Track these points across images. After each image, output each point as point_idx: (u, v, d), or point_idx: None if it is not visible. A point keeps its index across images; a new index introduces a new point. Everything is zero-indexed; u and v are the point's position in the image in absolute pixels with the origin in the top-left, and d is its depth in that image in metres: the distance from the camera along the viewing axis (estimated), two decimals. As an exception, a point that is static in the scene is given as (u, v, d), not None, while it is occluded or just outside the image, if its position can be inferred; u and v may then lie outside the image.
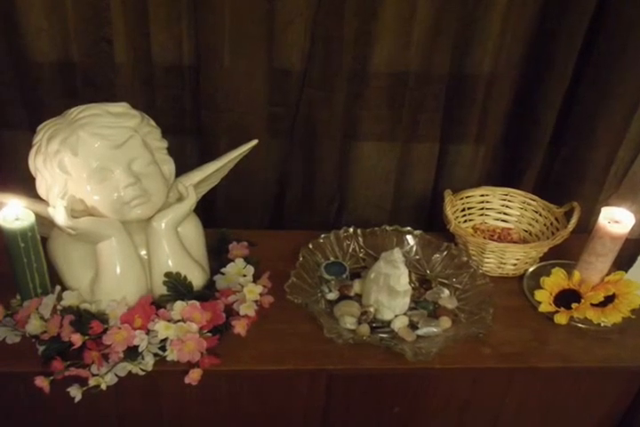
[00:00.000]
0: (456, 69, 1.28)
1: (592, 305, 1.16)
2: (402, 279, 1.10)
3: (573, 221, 1.23)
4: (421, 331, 1.11)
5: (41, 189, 1.01)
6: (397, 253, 1.11)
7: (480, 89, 1.30)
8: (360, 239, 1.27)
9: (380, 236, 1.28)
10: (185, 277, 1.07)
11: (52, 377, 0.97)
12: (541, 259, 1.29)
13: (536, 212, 1.36)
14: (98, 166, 0.97)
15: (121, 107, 1.00)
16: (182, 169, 1.11)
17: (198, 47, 1.21)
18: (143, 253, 1.07)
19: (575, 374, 1.16)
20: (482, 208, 1.39)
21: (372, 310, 1.12)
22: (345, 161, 1.39)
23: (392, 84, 1.28)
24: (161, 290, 1.07)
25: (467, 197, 1.36)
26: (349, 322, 1.10)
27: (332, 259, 1.24)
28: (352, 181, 1.42)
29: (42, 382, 0.96)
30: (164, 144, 1.06)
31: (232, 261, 1.15)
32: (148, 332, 1.00)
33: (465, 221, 1.38)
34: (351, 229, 1.27)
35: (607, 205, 1.19)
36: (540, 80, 1.29)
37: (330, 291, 1.18)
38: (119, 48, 1.17)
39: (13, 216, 0.99)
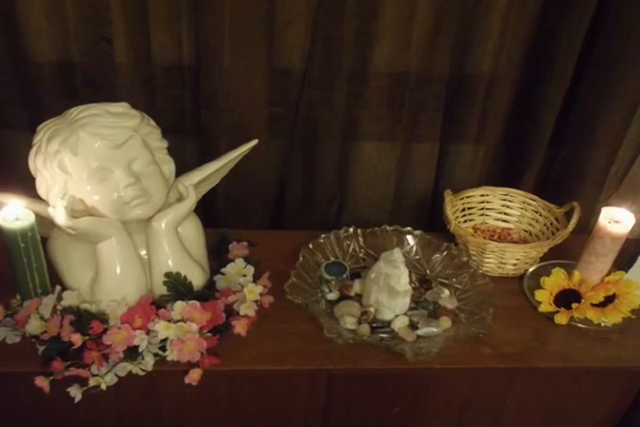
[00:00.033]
0: (456, 69, 1.28)
1: (592, 305, 1.16)
2: (402, 279, 1.10)
3: (573, 221, 1.23)
4: (421, 331, 1.11)
5: (41, 189, 1.01)
6: (397, 254, 1.11)
7: (480, 89, 1.30)
8: (360, 239, 1.27)
9: (380, 236, 1.28)
10: (185, 277, 1.07)
11: (51, 377, 0.96)
12: (541, 259, 1.29)
13: (536, 212, 1.36)
14: (98, 166, 0.97)
15: (121, 107, 1.00)
16: (182, 169, 1.11)
17: (198, 47, 1.21)
18: (143, 253, 1.07)
19: (575, 375, 1.16)
20: (482, 208, 1.39)
21: (372, 310, 1.12)
22: (345, 161, 1.39)
23: (392, 84, 1.28)
24: (161, 290, 1.07)
25: (467, 197, 1.36)
26: (349, 322, 1.10)
27: (332, 259, 1.24)
28: (352, 181, 1.42)
29: (42, 382, 0.96)
30: (164, 144, 1.06)
31: (232, 261, 1.15)
32: (148, 332, 1.00)
33: (465, 221, 1.38)
34: (351, 229, 1.27)
35: (607, 205, 1.19)
36: (541, 80, 1.29)
37: (330, 291, 1.18)
38: (119, 48, 1.17)
39: (13, 216, 0.99)
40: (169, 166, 1.07)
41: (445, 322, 1.13)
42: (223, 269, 1.14)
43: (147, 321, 1.01)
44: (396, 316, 1.13)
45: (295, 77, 1.26)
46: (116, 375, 0.99)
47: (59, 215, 0.98)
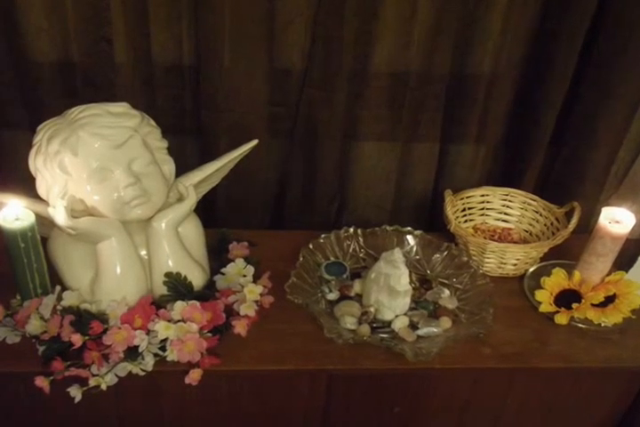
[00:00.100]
0: (456, 69, 1.28)
1: (592, 305, 1.16)
2: (402, 279, 1.10)
3: (574, 221, 1.23)
4: (422, 331, 1.11)
5: (41, 189, 1.01)
6: (398, 254, 1.11)
7: (480, 89, 1.30)
8: (360, 239, 1.27)
9: (380, 236, 1.27)
10: (185, 277, 1.07)
11: (52, 377, 0.96)
12: (542, 259, 1.29)
13: (536, 212, 1.36)
14: (98, 166, 0.97)
15: (121, 107, 1.00)
16: (182, 169, 1.11)
17: (198, 47, 1.21)
18: (143, 253, 1.07)
19: (576, 375, 1.16)
20: (482, 208, 1.39)
21: (372, 310, 1.12)
22: (345, 161, 1.39)
23: (392, 84, 1.28)
24: (161, 290, 1.07)
25: (467, 197, 1.36)
26: (350, 322, 1.10)
27: (332, 259, 1.24)
28: (352, 180, 1.42)
29: (42, 383, 0.96)
30: (164, 144, 1.06)
31: (232, 261, 1.15)
32: (148, 332, 1.00)
33: (465, 221, 1.38)
34: (351, 229, 1.27)
35: (608, 205, 1.19)
36: (541, 80, 1.29)
37: (330, 291, 1.18)
38: (119, 48, 1.17)
39: (13, 216, 0.99)
40: (169, 166, 1.07)
41: (446, 322, 1.13)
42: (223, 270, 1.14)
43: (147, 321, 1.01)
44: (397, 316, 1.13)
45: (295, 77, 1.26)
46: (116, 375, 0.99)
47: (59, 215, 0.98)
